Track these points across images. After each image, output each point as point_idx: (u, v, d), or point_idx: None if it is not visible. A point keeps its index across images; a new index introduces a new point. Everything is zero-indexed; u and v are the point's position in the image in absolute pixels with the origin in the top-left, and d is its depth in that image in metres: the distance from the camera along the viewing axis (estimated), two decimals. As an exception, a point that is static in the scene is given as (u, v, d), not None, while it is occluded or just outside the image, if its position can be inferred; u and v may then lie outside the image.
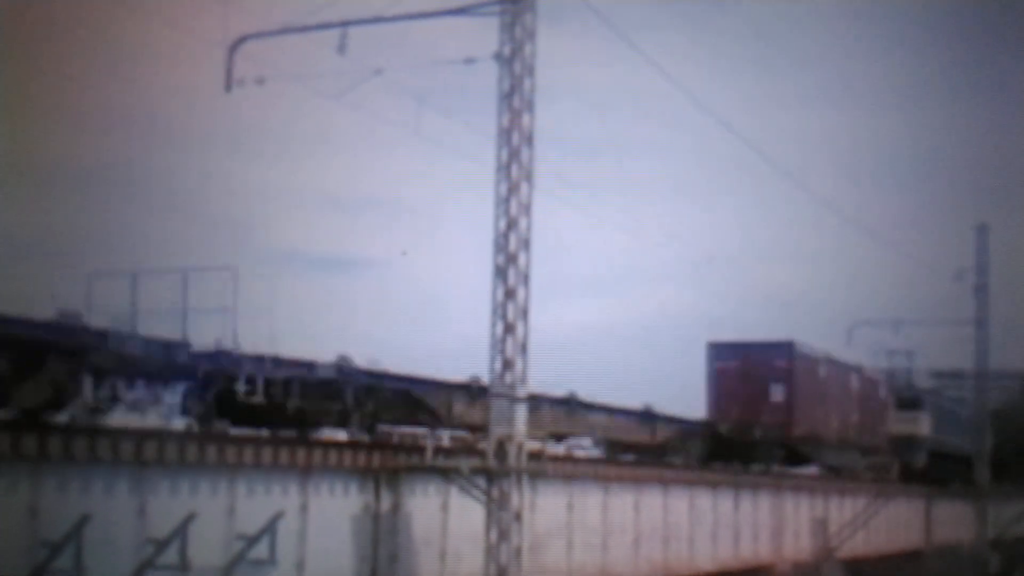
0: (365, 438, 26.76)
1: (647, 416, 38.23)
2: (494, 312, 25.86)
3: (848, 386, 48.67)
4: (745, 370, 42.93)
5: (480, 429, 27.16)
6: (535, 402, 33.95)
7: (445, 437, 29.13)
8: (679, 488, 37.85)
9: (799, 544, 46.08)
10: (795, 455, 43.34)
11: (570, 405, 33.09)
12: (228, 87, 26.11)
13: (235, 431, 23.91)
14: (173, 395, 22.44)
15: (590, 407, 34.48)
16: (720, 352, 44.11)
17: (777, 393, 42.67)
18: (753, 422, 41.78)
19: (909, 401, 53.18)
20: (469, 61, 25.64)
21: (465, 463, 25.67)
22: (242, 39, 25.96)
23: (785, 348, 43.65)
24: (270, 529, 22.54)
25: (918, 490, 57.11)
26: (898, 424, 52.07)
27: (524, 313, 25.80)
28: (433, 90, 25.87)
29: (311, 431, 25.27)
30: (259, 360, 23.98)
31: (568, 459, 32.97)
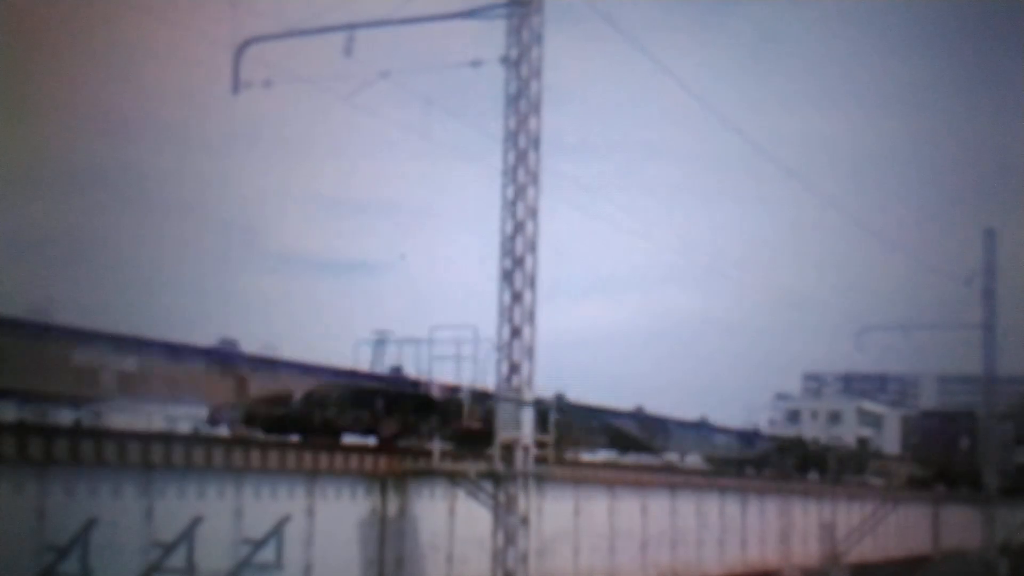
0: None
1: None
2: (501, 315, 25.80)
3: (998, 433, 63.11)
4: (943, 427, 65.89)
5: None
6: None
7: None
8: (687, 492, 37.76)
9: (807, 549, 45.97)
10: (975, 481, 60.18)
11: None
12: (235, 90, 26.08)
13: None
14: None
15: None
16: (925, 415, 74.85)
17: (964, 443, 63.49)
18: (950, 460, 62.50)
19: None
20: (476, 64, 25.59)
21: (472, 467, 25.60)
22: (249, 41, 25.93)
23: (968, 414, 66.62)
24: (277, 533, 22.48)
25: (926, 495, 56.98)
26: (1019, 455, 65.00)
27: (531, 316, 25.74)
28: (440, 93, 25.84)
29: None
30: None
31: (575, 463, 32.92)
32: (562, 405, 30.77)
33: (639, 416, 37.06)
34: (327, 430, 24.82)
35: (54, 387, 20.69)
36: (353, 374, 26.07)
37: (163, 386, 21.92)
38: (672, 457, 39.79)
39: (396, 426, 25.87)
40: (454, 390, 26.81)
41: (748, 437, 46.19)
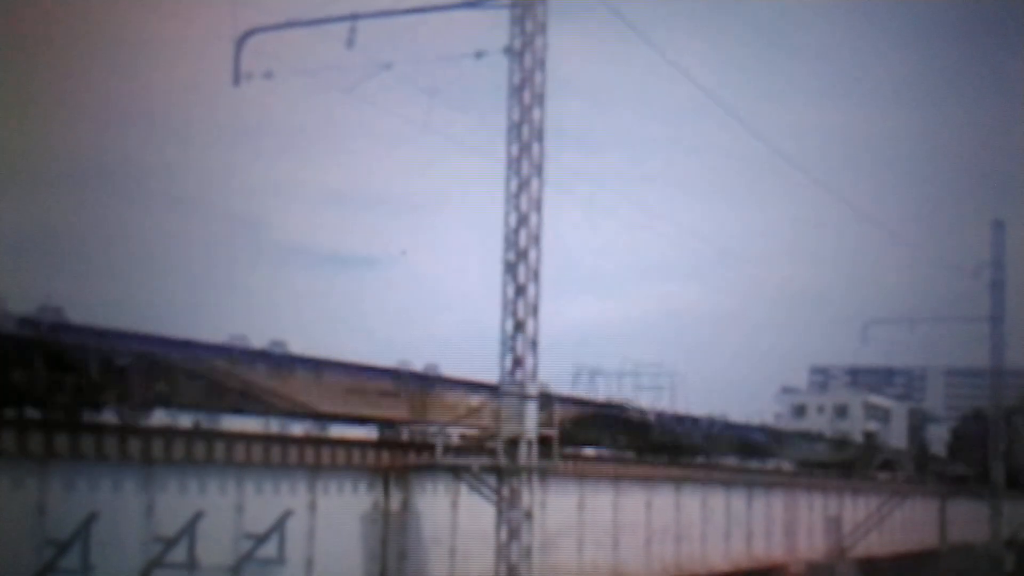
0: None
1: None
2: (504, 309, 25.65)
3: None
4: (976, 429, 63.70)
5: None
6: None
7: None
8: (691, 487, 37.61)
9: (813, 543, 45.81)
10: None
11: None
12: (236, 81, 25.90)
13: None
14: None
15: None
16: (964, 417, 73.62)
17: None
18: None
19: None
20: (479, 55, 25.39)
21: (476, 461, 25.47)
22: (250, 33, 25.74)
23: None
24: (279, 528, 22.38)
25: (933, 489, 56.81)
26: None
27: (534, 310, 25.58)
28: (443, 84, 25.63)
29: None
30: None
31: (578, 457, 32.78)
32: (716, 422, 42.17)
33: (766, 429, 48.75)
34: (586, 444, 33.78)
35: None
36: (604, 405, 36.17)
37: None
38: (781, 462, 48.77)
39: (625, 441, 35.70)
40: (659, 414, 38.19)
41: (839, 443, 56.65)
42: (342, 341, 28.84)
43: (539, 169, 25.59)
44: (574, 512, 31.47)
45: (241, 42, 25.69)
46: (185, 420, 22.71)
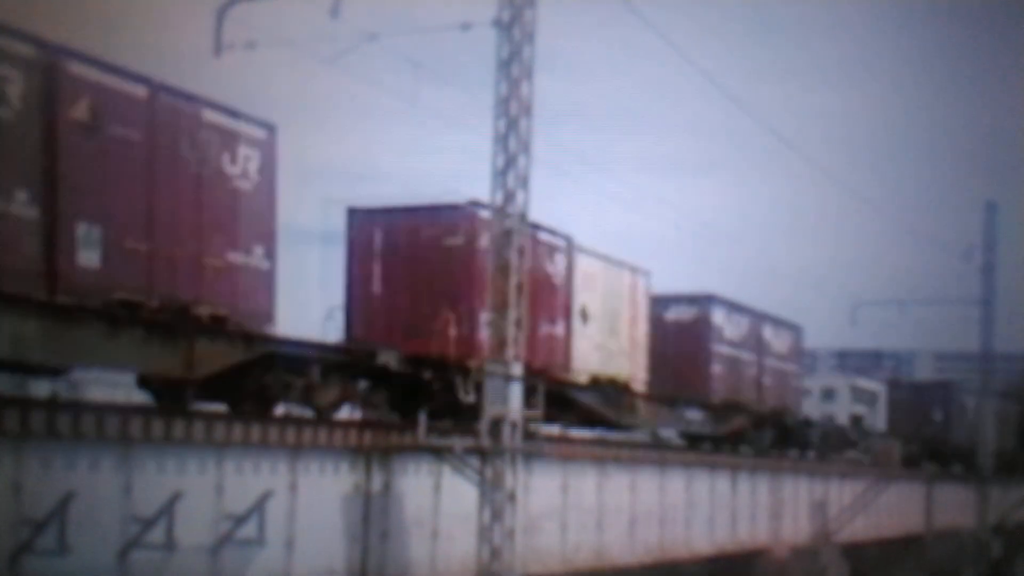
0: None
1: None
2: (492, 287, 25.36)
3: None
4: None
5: None
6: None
7: None
8: (676, 469, 37.40)
9: (797, 527, 45.67)
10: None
11: None
12: (217, 52, 25.47)
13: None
14: None
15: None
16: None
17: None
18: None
19: None
20: (466, 27, 25.00)
21: (458, 442, 25.17)
22: (232, 2, 25.32)
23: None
24: (259, 508, 22.08)
25: (919, 474, 56.70)
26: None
27: (519, 289, 25.28)
28: (429, 57, 25.24)
29: None
30: None
31: (563, 439, 32.50)
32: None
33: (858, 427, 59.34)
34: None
35: None
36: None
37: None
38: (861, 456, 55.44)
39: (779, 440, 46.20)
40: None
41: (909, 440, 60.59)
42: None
43: (526, 145, 25.23)
44: (558, 494, 31.21)
45: (223, 11, 25.26)
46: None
